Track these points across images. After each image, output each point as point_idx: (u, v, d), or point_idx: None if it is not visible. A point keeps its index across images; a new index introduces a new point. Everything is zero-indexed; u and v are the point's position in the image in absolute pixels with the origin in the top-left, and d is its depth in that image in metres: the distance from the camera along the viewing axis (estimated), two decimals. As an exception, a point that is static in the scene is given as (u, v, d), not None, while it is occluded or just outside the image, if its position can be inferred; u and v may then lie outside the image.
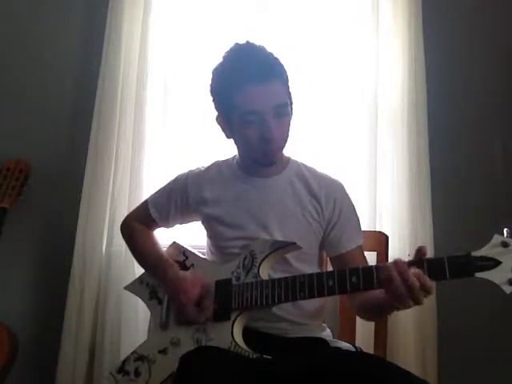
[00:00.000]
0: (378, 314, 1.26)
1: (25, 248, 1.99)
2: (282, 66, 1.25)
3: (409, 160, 1.86)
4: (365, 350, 1.29)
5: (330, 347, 1.26)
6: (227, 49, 1.26)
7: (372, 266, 1.09)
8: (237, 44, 1.25)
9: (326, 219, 1.32)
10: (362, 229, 1.39)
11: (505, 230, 0.98)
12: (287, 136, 1.27)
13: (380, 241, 1.59)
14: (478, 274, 0.97)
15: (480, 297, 1.85)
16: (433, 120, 1.89)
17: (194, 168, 1.43)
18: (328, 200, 1.32)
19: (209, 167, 1.42)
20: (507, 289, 0.95)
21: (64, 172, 2.00)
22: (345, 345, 1.28)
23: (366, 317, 1.34)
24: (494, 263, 0.96)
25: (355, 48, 1.93)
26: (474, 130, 1.98)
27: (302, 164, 1.39)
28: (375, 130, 1.87)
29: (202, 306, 1.23)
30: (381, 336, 1.50)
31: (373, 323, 1.53)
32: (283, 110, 1.23)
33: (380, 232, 1.67)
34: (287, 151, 1.34)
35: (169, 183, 1.45)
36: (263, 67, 1.20)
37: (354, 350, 1.26)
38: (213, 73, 1.29)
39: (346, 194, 1.36)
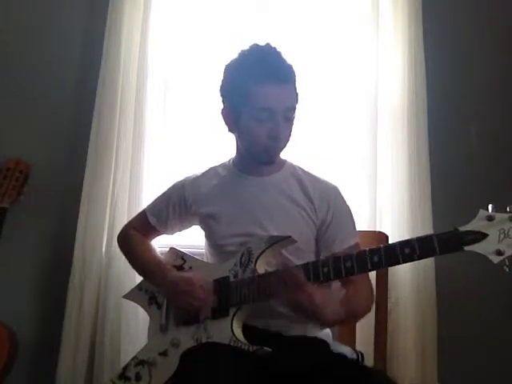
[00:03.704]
0: None
1: (25, 248, 1.98)
2: (295, 72, 1.29)
3: (409, 160, 1.86)
4: (364, 352, 1.30)
5: (330, 351, 1.26)
6: (246, 47, 1.29)
7: (365, 249, 1.10)
8: (257, 44, 1.29)
9: (319, 220, 1.33)
10: (362, 229, 1.39)
11: (490, 205, 1.01)
12: (289, 138, 1.32)
13: (380, 241, 1.58)
14: (467, 248, 0.99)
15: (481, 299, 1.85)
16: (433, 120, 1.89)
17: (190, 174, 1.46)
18: (322, 202, 1.33)
19: (205, 171, 1.45)
20: (495, 259, 0.96)
21: (64, 172, 2.00)
22: (345, 349, 1.28)
23: None
24: (481, 236, 0.99)
25: (355, 48, 1.93)
26: (474, 129, 1.98)
27: (298, 167, 1.42)
28: (375, 130, 1.88)
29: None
30: (381, 337, 1.50)
31: (372, 324, 1.53)
32: (292, 114, 1.28)
33: (380, 232, 1.67)
34: (285, 153, 1.36)
35: (166, 190, 1.48)
36: (282, 70, 1.27)
37: (354, 355, 1.26)
38: (229, 66, 1.31)
39: (341, 197, 1.37)
